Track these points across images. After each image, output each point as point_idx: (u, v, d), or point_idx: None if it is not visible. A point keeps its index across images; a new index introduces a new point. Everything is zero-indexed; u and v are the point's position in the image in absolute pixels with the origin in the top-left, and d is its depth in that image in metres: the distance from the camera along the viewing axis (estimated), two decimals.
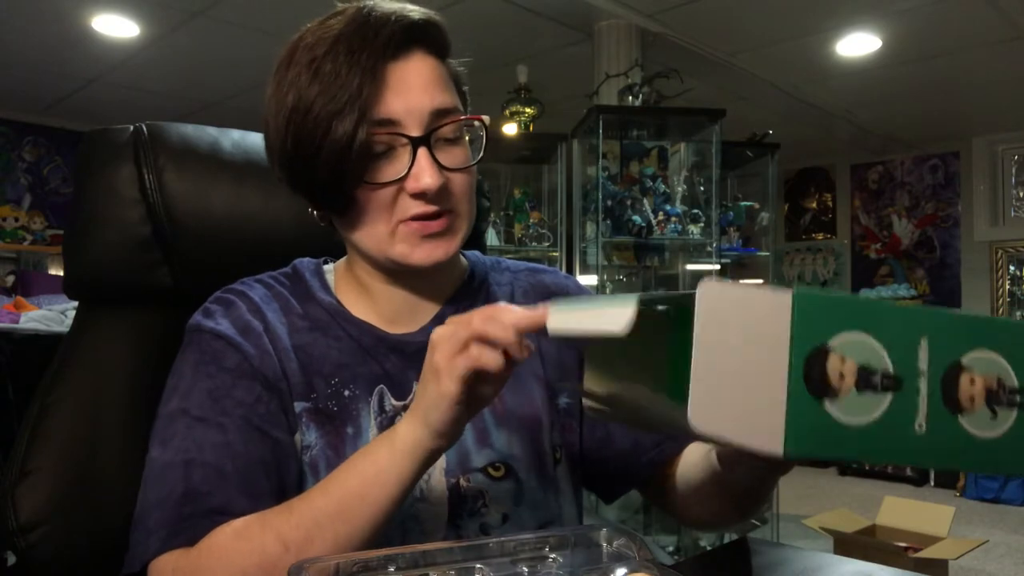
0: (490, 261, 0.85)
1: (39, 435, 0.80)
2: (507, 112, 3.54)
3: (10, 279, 4.59)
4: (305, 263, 0.79)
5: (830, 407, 0.42)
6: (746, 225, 3.55)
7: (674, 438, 0.78)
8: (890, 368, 0.43)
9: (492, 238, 3.27)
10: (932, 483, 4.97)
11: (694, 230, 3.18)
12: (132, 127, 0.86)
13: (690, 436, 0.45)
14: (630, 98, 3.23)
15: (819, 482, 5.07)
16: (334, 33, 0.65)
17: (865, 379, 0.43)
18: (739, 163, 3.65)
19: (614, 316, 0.49)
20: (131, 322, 0.86)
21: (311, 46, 0.65)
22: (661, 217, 3.14)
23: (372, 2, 0.68)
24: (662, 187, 3.24)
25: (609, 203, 3.14)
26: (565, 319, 0.54)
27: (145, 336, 0.86)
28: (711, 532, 2.99)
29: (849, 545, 2.75)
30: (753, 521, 3.21)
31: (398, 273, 0.73)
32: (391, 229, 0.68)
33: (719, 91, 4.23)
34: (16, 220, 5.04)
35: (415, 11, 0.68)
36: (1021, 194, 5.54)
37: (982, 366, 0.45)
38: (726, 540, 2.69)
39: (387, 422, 0.71)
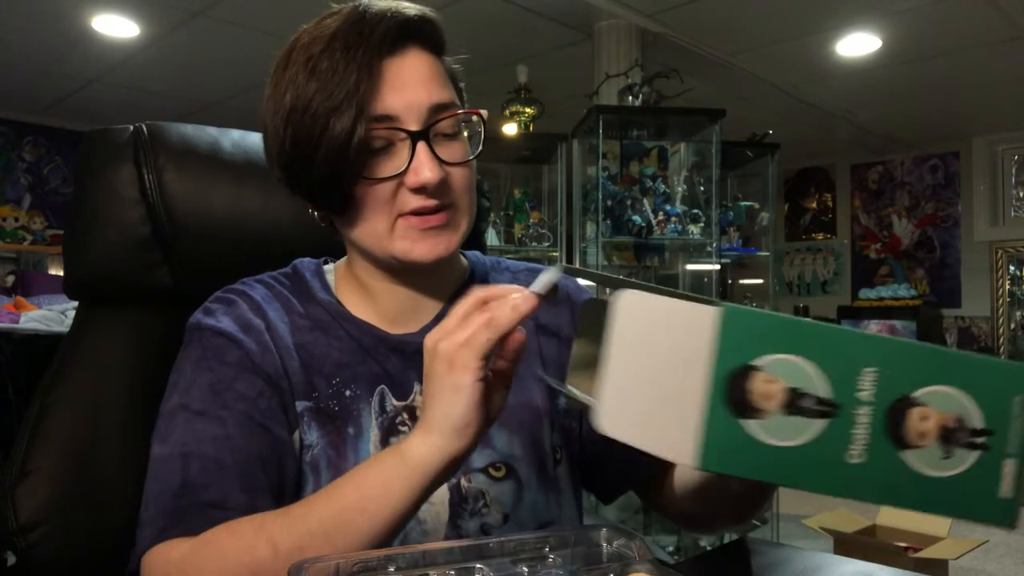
0: (490, 261, 0.85)
1: (39, 435, 0.80)
2: (507, 112, 3.54)
3: (10, 279, 4.59)
4: (305, 263, 0.79)
5: (751, 426, 0.42)
6: (746, 225, 3.54)
7: None
8: (825, 394, 0.42)
9: (492, 238, 3.27)
10: None
11: (694, 230, 3.18)
12: (132, 127, 0.86)
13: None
14: (630, 98, 3.23)
15: None
16: (330, 31, 0.65)
17: (794, 402, 0.42)
18: (739, 163, 3.64)
19: (541, 279, 0.55)
20: (131, 322, 0.86)
21: (307, 45, 0.66)
22: (661, 217, 3.14)
23: (368, 0, 0.68)
24: (662, 187, 3.24)
25: (609, 203, 3.14)
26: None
27: (145, 336, 0.86)
28: (710, 534, 2.99)
29: (849, 545, 2.75)
30: (753, 521, 3.22)
31: (399, 271, 0.73)
32: (390, 225, 0.68)
33: (719, 91, 4.23)
34: (16, 220, 5.04)
35: (410, 8, 0.68)
36: (1021, 194, 5.54)
37: (940, 402, 0.42)
38: (726, 540, 2.69)
39: (388, 422, 0.71)
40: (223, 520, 0.61)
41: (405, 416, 0.72)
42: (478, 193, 0.76)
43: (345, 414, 0.70)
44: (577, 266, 3.33)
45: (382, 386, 0.72)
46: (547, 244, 3.36)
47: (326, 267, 0.80)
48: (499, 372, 0.56)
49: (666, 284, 3.47)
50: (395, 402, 0.72)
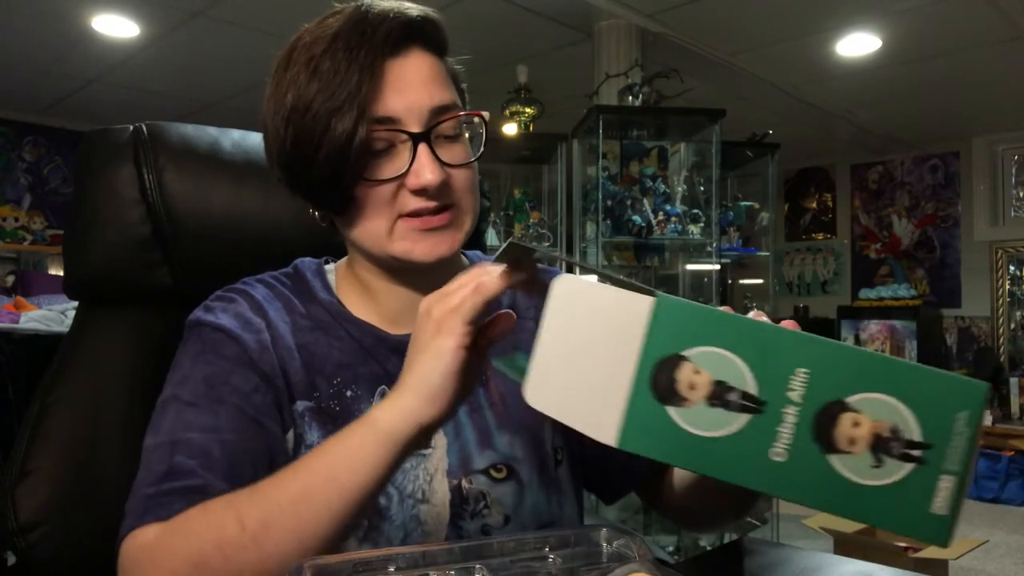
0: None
1: (39, 435, 0.80)
2: (507, 112, 3.54)
3: (10, 279, 4.59)
4: (306, 263, 0.79)
5: (674, 413, 0.43)
6: (746, 225, 3.55)
7: None
8: (752, 390, 0.43)
9: (492, 238, 3.27)
10: None
11: (694, 230, 3.18)
12: (132, 127, 0.86)
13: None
14: (630, 98, 3.23)
15: None
16: (332, 31, 0.65)
17: (719, 395, 0.43)
18: (739, 163, 3.65)
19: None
20: (131, 322, 0.87)
21: (309, 45, 0.65)
22: (661, 217, 3.14)
23: (370, 0, 0.68)
24: (662, 187, 3.24)
25: (609, 203, 3.14)
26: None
27: (145, 336, 0.86)
28: (709, 534, 2.99)
29: (849, 545, 2.75)
30: (753, 521, 3.21)
31: (400, 271, 0.73)
32: (390, 225, 0.68)
33: (719, 91, 4.23)
34: (16, 220, 5.04)
35: (413, 8, 0.68)
36: (1021, 194, 5.54)
37: (875, 410, 0.41)
38: (726, 540, 2.69)
39: None
40: None
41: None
42: (480, 193, 0.76)
43: (346, 414, 0.70)
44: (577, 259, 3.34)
45: (383, 387, 0.72)
46: (547, 244, 3.36)
47: (327, 267, 0.80)
48: (481, 350, 0.56)
49: (666, 284, 3.49)
50: None
